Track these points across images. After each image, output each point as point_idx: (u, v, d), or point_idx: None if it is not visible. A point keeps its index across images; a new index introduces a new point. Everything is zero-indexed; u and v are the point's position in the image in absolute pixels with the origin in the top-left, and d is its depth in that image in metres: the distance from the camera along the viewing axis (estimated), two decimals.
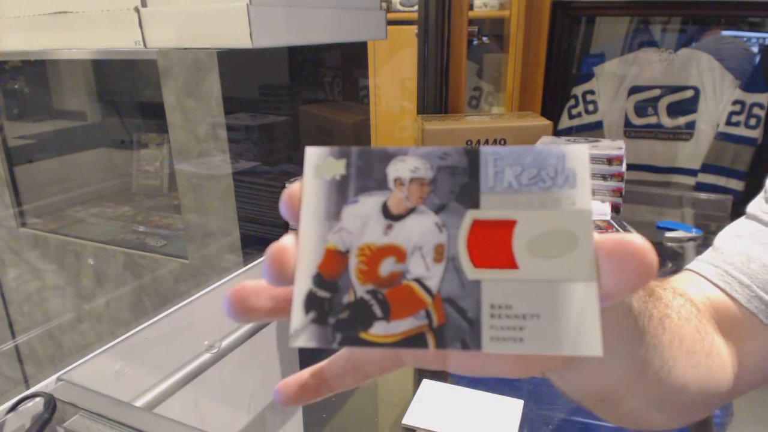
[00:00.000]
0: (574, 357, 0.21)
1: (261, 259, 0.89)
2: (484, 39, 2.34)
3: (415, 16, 2.01)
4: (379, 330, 0.21)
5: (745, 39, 1.75)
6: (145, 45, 1.02)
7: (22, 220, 1.44)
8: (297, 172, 1.17)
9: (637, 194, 1.47)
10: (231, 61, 0.97)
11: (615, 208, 1.26)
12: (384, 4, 1.98)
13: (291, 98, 1.16)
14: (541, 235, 0.21)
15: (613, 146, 1.30)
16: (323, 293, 0.21)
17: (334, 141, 1.33)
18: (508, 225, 0.21)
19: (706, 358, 0.36)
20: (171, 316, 0.85)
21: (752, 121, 1.69)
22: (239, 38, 0.92)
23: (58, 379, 0.67)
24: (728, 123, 1.72)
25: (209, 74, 0.96)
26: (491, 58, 2.29)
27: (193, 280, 1.14)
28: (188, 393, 0.73)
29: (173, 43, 1.00)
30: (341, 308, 0.21)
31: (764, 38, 1.72)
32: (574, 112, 1.94)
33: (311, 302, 0.21)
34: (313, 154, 0.23)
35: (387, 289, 0.21)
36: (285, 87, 1.15)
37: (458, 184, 0.22)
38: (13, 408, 0.60)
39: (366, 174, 0.22)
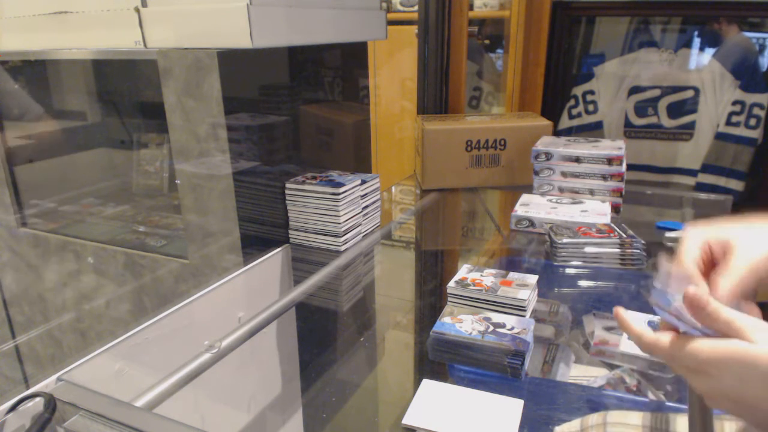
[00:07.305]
0: None
1: (261, 259, 0.88)
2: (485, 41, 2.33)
3: (415, 16, 2.01)
4: None
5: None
6: (145, 45, 1.02)
7: (22, 220, 1.44)
8: (297, 172, 1.17)
9: (637, 194, 1.47)
10: (231, 61, 0.97)
11: (615, 208, 1.26)
12: (384, 4, 1.99)
13: (291, 98, 1.16)
14: None
15: (613, 146, 1.30)
16: None
17: (334, 141, 1.33)
18: None
19: None
20: (171, 316, 0.85)
21: (752, 122, 1.69)
22: (239, 38, 0.92)
23: (58, 379, 0.67)
24: (728, 123, 1.72)
25: (209, 74, 0.96)
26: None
27: (193, 280, 1.14)
28: (188, 393, 0.73)
29: (173, 43, 1.00)
30: None
31: (764, 38, 1.71)
32: (574, 112, 1.94)
33: None
34: None
35: None
36: (285, 87, 1.15)
37: None
38: (13, 408, 0.60)
39: None
